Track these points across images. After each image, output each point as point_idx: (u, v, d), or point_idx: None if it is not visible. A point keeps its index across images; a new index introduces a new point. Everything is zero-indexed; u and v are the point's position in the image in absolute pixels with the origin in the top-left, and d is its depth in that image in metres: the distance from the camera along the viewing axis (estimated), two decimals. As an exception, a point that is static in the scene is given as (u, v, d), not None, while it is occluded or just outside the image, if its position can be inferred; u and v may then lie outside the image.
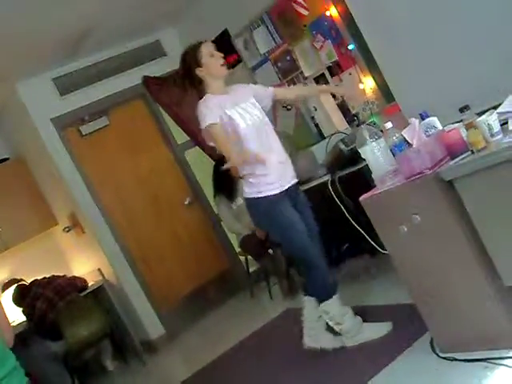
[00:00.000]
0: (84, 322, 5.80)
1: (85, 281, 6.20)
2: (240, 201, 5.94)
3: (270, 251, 5.96)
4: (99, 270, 6.42)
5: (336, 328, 3.80)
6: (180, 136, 6.94)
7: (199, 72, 3.71)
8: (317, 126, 5.83)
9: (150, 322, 6.38)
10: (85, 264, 6.84)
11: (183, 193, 6.94)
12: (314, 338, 3.91)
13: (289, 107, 6.01)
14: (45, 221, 6.82)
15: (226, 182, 5.93)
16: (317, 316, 3.87)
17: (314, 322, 3.90)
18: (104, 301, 6.31)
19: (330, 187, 4.51)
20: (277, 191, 3.67)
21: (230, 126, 3.63)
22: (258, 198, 3.70)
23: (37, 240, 6.78)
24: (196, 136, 6.81)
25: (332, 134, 5.41)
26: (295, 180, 3.82)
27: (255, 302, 6.31)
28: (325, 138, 5.62)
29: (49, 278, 6.00)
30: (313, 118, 5.83)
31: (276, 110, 6.16)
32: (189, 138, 6.87)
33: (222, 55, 3.75)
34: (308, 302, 3.89)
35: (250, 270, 6.46)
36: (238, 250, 6.50)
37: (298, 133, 6.04)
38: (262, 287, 6.35)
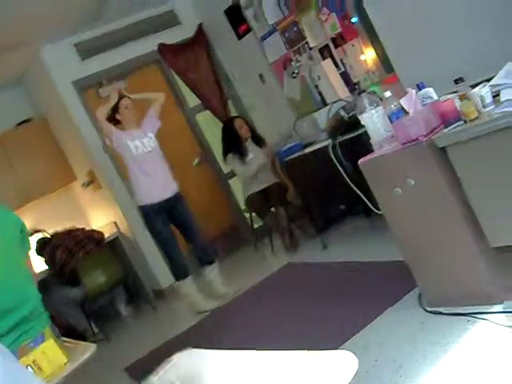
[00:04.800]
0: (100, 270, 5.88)
1: (102, 233, 6.22)
2: (251, 155, 5.92)
3: (273, 209, 5.97)
4: (115, 222, 6.46)
5: (186, 299, 5.19)
6: (192, 100, 6.90)
7: (117, 116, 5.01)
8: (320, 93, 5.80)
9: (160, 272, 6.42)
10: (101, 217, 6.88)
11: (194, 153, 6.94)
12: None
13: (294, 75, 5.97)
14: (65, 176, 6.87)
15: (235, 142, 5.93)
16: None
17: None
18: (119, 251, 6.37)
19: (330, 151, 4.50)
20: (149, 203, 5.02)
21: (126, 152, 4.97)
22: (141, 206, 5.10)
23: (57, 194, 6.83)
24: (208, 100, 6.79)
25: (334, 102, 5.37)
26: (172, 194, 5.11)
27: (259, 256, 6.34)
28: (327, 105, 5.58)
29: (68, 229, 6.04)
30: (316, 86, 5.79)
31: (283, 77, 6.12)
32: (200, 102, 6.85)
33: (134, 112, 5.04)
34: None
35: (255, 226, 6.48)
36: (243, 207, 6.52)
37: (302, 99, 6.01)
38: (266, 243, 6.38)
